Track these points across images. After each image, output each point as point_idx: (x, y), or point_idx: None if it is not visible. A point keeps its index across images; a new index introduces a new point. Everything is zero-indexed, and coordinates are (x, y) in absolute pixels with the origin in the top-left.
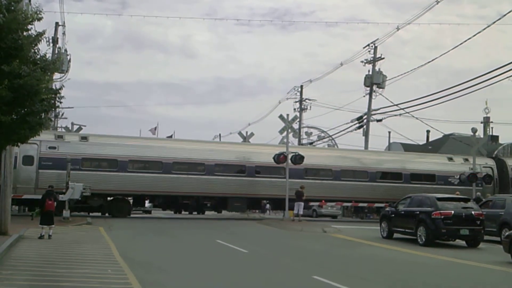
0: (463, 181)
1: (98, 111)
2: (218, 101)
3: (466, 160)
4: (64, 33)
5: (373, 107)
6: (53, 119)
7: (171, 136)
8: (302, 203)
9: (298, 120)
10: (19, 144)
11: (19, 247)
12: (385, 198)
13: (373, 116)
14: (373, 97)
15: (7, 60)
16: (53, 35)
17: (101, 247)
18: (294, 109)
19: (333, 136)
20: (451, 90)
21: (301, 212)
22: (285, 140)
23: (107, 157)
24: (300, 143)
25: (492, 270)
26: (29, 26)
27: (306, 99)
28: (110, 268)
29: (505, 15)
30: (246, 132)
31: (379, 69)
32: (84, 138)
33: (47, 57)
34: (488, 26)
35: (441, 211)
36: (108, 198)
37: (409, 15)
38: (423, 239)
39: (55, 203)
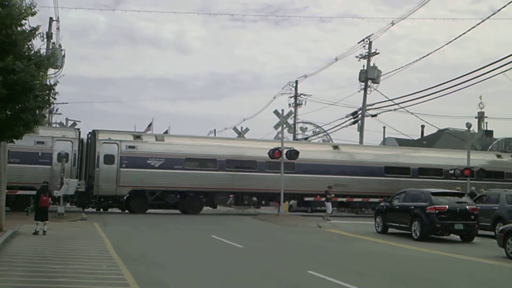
0: (457, 175)
1: (92, 106)
2: (213, 97)
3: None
4: (58, 28)
5: (368, 102)
6: (47, 115)
7: (166, 132)
8: (329, 203)
9: (293, 115)
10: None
11: (14, 243)
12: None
13: (368, 111)
14: (368, 92)
15: (1, 55)
16: (47, 30)
17: (96, 243)
18: (289, 104)
19: (328, 131)
20: (445, 85)
21: (329, 211)
22: (280, 135)
23: None
24: (295, 139)
25: (486, 265)
26: (23, 21)
27: (301, 94)
28: (105, 263)
29: (498, 10)
30: (241, 128)
31: (374, 64)
32: None
33: (41, 52)
34: (483, 21)
35: (436, 206)
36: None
37: (403, 11)
38: (418, 234)
39: (50, 199)
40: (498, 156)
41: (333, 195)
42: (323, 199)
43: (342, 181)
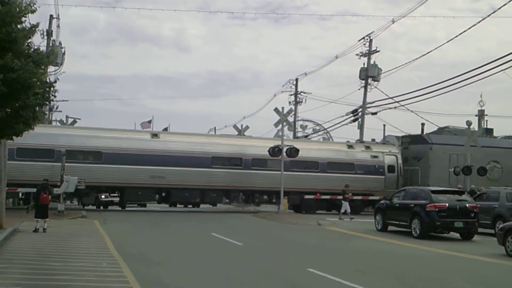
0: (457, 173)
1: (92, 104)
2: (212, 95)
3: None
4: (58, 26)
5: (368, 100)
6: (47, 112)
7: (166, 129)
8: (346, 202)
9: (293, 113)
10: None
11: (14, 240)
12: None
13: (368, 109)
14: (368, 90)
15: (1, 53)
16: (47, 28)
17: (96, 241)
18: (289, 102)
19: (328, 129)
20: (445, 83)
21: (348, 211)
22: (280, 133)
23: None
24: (295, 136)
25: (486, 263)
26: (23, 19)
27: (301, 92)
28: (105, 261)
29: (499, 8)
30: (241, 125)
31: (374, 62)
32: None
33: (41, 50)
34: (483, 19)
35: (436, 204)
36: None
37: (403, 9)
38: (418, 232)
39: (50, 196)
40: (349, 146)
41: (350, 194)
42: (340, 197)
43: (159, 172)
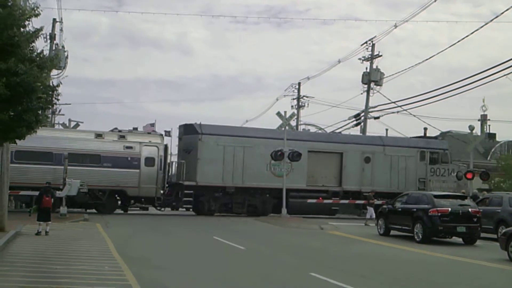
0: (459, 178)
1: (95, 108)
2: (215, 98)
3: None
4: (61, 30)
5: (370, 104)
6: (50, 116)
7: (168, 133)
8: (371, 208)
9: (295, 117)
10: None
11: (16, 243)
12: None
13: (370, 113)
14: (371, 94)
15: (4, 57)
16: (50, 32)
17: (98, 244)
18: (292, 106)
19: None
20: (448, 87)
21: (373, 217)
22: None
23: None
24: None
25: (488, 267)
26: (26, 23)
27: (303, 96)
28: (107, 264)
29: (501, 13)
30: None
31: (376, 66)
32: None
33: (44, 53)
34: (486, 24)
35: (438, 209)
36: None
37: (404, 14)
38: (420, 236)
39: (52, 199)
40: (98, 135)
41: (375, 200)
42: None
43: None
